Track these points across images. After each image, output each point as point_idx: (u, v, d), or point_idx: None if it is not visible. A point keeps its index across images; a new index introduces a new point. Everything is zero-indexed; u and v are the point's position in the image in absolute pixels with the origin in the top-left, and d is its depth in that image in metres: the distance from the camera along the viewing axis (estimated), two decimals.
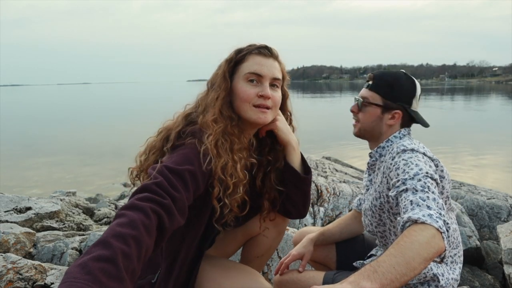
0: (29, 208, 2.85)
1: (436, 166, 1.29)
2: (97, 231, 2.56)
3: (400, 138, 1.43)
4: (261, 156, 1.41)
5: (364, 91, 1.48)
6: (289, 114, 1.46)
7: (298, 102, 30.95)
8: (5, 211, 2.75)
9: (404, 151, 1.28)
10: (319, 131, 11.53)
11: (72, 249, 2.24)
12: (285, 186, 1.43)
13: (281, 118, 1.39)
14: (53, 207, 2.94)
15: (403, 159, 1.25)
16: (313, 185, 3.19)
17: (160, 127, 1.33)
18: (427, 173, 1.17)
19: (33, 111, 30.36)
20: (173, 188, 1.01)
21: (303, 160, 1.46)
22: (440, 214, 1.06)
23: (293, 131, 1.46)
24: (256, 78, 1.29)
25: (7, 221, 2.61)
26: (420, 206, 1.08)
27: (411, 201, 1.11)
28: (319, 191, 3.16)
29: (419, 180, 1.15)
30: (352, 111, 1.50)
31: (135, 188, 1.33)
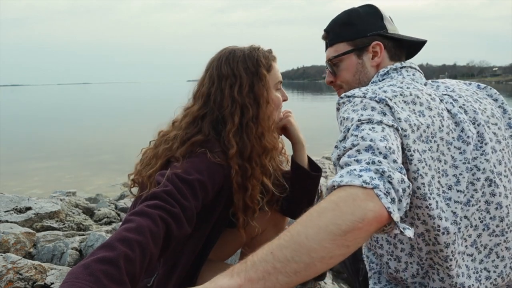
0: (29, 208, 2.84)
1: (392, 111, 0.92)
2: (97, 231, 2.56)
3: (379, 81, 1.08)
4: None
5: (327, 53, 1.21)
6: None
7: (298, 102, 30.91)
8: (5, 211, 2.74)
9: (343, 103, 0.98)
10: (319, 131, 11.52)
11: (72, 249, 2.23)
12: (292, 186, 1.43)
13: (293, 115, 1.42)
14: (53, 207, 2.93)
15: (340, 116, 0.96)
16: None
17: (159, 134, 1.32)
18: (359, 120, 0.86)
19: (33, 111, 30.34)
20: (182, 196, 1.01)
21: (309, 159, 1.47)
22: (372, 162, 0.73)
23: None
24: (280, 84, 1.35)
25: (7, 221, 2.60)
26: (347, 165, 0.77)
27: (340, 165, 0.80)
28: (319, 191, 3.16)
29: (349, 136, 0.85)
30: (329, 82, 1.23)
31: (134, 192, 1.34)
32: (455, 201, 0.93)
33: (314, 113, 20.27)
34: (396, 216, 0.68)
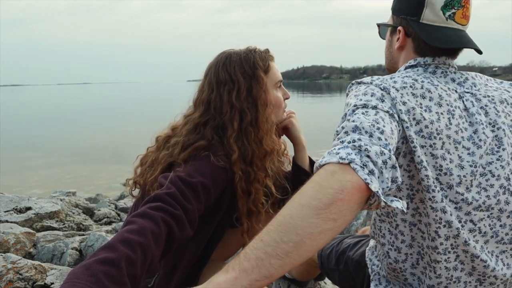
0: (29, 208, 2.84)
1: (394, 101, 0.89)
2: (97, 231, 2.56)
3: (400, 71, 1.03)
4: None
5: None
6: None
7: (298, 102, 30.92)
8: (5, 211, 2.74)
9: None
10: (319, 131, 11.53)
11: (72, 249, 2.23)
12: (293, 187, 1.42)
13: (296, 116, 1.42)
14: (53, 207, 2.93)
15: (346, 101, 0.96)
16: None
17: (159, 136, 1.32)
18: (355, 105, 0.87)
19: (33, 111, 30.34)
20: (185, 199, 1.01)
21: (310, 160, 1.46)
22: (353, 141, 0.75)
23: None
24: (280, 83, 1.35)
25: (7, 221, 2.60)
26: (333, 147, 0.77)
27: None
28: None
29: (347, 119, 0.85)
30: None
31: (134, 195, 1.34)
32: (450, 200, 0.92)
33: (314, 113, 20.27)
34: (374, 186, 0.69)
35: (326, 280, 1.91)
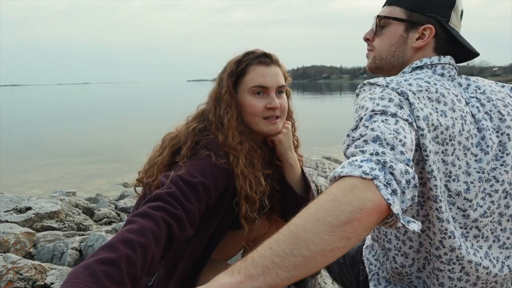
0: (29, 208, 2.84)
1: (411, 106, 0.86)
2: (97, 231, 2.56)
3: (413, 70, 1.00)
4: (271, 164, 1.39)
5: (382, 10, 1.09)
6: (291, 113, 1.45)
7: (298, 102, 30.92)
8: (5, 211, 2.74)
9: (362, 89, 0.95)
10: (319, 131, 11.52)
11: (72, 249, 2.23)
12: (285, 203, 1.41)
13: (287, 132, 1.34)
14: (53, 207, 2.93)
15: (357, 102, 0.91)
16: (313, 185, 3.18)
17: (164, 139, 1.33)
18: (372, 110, 0.82)
19: (33, 111, 30.33)
20: (186, 199, 1.01)
21: (304, 178, 1.40)
22: (376, 153, 0.70)
23: (294, 131, 1.46)
24: (261, 90, 1.26)
25: (7, 221, 2.60)
26: (353, 156, 0.74)
27: (346, 156, 0.77)
28: (319, 191, 3.16)
29: (360, 126, 0.81)
30: (366, 39, 1.12)
31: (139, 192, 1.35)
32: (458, 207, 0.91)
33: (314, 113, 20.27)
34: (396, 208, 0.65)
35: (326, 280, 1.91)
